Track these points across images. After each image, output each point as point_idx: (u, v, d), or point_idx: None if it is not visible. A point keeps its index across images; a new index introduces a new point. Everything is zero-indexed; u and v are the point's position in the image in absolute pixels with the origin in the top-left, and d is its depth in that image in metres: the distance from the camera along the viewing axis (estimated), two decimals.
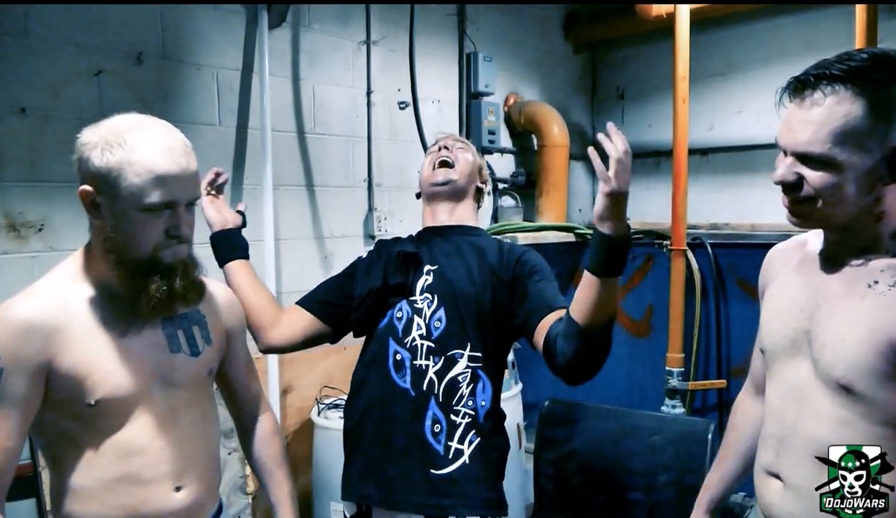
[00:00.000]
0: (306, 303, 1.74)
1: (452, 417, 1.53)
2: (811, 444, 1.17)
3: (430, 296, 1.61)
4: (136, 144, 1.15)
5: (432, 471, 1.51)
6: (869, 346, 1.10)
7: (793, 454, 1.20)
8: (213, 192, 1.73)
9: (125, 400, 1.23)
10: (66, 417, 1.21)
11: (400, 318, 1.62)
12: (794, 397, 1.21)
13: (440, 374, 1.55)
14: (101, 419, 1.21)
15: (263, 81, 2.63)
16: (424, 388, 1.55)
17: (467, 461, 1.52)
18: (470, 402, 1.54)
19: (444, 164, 1.76)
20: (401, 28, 3.16)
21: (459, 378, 1.55)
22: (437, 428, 1.52)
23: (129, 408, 1.23)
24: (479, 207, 1.86)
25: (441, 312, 1.58)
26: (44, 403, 1.19)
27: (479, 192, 1.84)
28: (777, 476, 1.24)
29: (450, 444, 1.52)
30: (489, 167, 3.64)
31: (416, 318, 1.60)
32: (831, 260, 1.21)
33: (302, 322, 1.71)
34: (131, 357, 1.24)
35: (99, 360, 1.20)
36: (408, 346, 1.58)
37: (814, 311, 1.20)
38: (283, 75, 2.84)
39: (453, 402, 1.54)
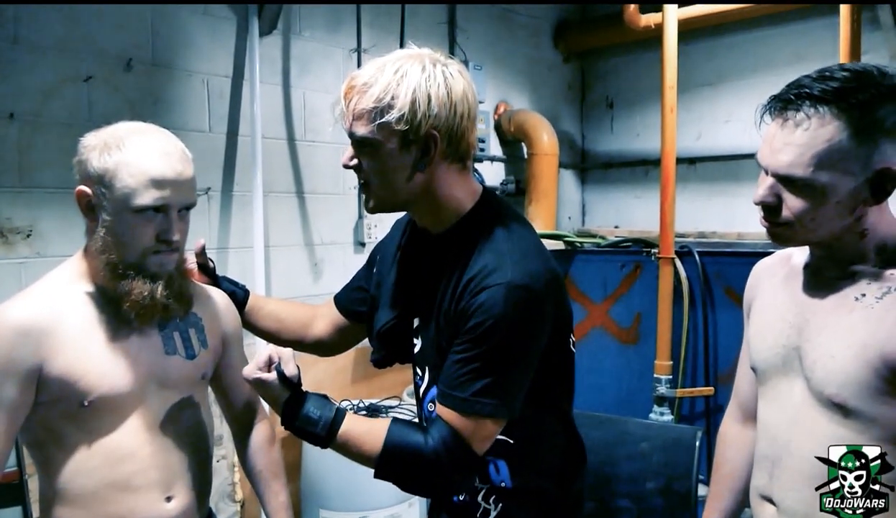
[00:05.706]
0: (337, 297, 1.57)
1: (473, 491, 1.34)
2: (807, 465, 1.13)
3: (419, 372, 1.35)
4: (133, 147, 1.18)
5: None
6: (860, 361, 1.07)
7: (786, 477, 1.16)
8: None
9: (120, 401, 1.22)
10: (58, 418, 1.21)
11: (417, 385, 1.38)
12: (787, 417, 1.17)
13: None
14: (94, 420, 1.21)
15: (254, 88, 2.63)
16: None
17: None
18: (484, 484, 1.32)
19: (352, 170, 1.24)
20: (391, 36, 3.17)
21: None
22: (462, 497, 1.35)
23: (122, 409, 1.23)
24: (464, 167, 1.22)
25: (434, 391, 1.27)
26: (35, 405, 1.19)
27: (425, 150, 1.15)
28: (770, 500, 1.19)
29: (478, 501, 1.33)
30: (478, 173, 3.65)
31: (419, 391, 1.37)
32: (817, 274, 1.18)
33: (332, 317, 1.55)
34: (126, 358, 1.24)
35: (93, 360, 1.20)
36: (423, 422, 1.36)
37: (802, 326, 1.16)
38: (274, 82, 2.84)
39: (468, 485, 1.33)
